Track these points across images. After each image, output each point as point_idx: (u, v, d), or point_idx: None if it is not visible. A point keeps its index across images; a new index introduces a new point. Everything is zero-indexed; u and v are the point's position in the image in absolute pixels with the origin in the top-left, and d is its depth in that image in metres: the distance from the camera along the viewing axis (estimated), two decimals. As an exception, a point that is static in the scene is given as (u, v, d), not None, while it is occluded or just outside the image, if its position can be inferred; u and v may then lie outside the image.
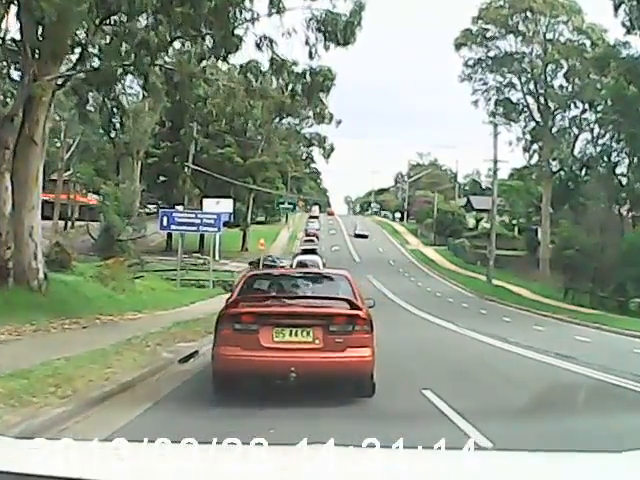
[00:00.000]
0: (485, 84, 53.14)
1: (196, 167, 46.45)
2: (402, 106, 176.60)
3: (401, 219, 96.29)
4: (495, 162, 45.51)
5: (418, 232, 79.39)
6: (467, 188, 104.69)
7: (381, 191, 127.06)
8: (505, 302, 35.29)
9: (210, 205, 47.55)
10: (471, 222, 77.63)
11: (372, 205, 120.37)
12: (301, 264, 31.62)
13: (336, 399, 7.41)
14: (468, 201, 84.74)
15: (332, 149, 56.42)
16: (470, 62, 53.53)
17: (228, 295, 9.56)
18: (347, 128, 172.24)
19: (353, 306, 7.69)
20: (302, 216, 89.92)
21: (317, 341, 7.38)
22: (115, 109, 18.87)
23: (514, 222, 70.47)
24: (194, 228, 31.93)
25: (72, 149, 45.42)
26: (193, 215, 32.88)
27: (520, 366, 12.28)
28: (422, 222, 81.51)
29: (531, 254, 58.53)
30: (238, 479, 1.91)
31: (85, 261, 28.95)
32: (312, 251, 50.59)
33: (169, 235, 53.90)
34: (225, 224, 62.82)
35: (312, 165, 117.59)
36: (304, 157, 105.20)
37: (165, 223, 30.46)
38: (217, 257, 50.27)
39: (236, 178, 51.10)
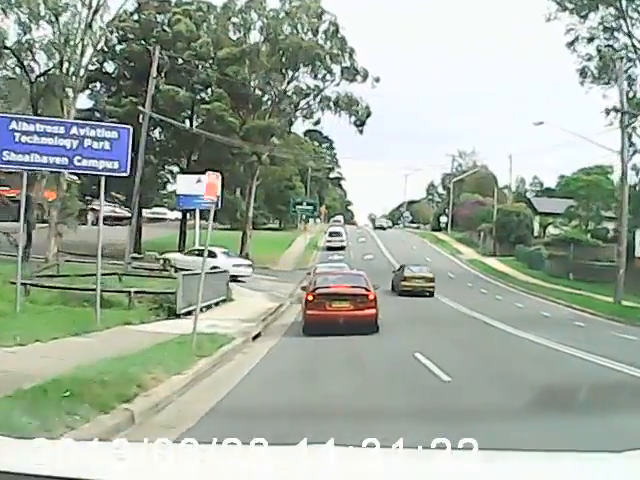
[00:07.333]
0: (583, 17, 37.34)
1: (159, 116, 30.52)
2: (429, 124, 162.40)
3: (445, 227, 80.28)
4: (622, 114, 29.19)
5: (480, 238, 63.02)
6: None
7: (412, 203, 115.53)
8: None
9: (187, 183, 32.20)
10: (536, 227, 62.95)
11: (404, 216, 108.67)
12: (332, 234, 58.84)
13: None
14: (529, 203, 68.83)
15: (369, 114, 40.08)
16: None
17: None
18: (369, 149, 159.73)
19: (367, 290, 17.04)
20: (324, 227, 74.63)
21: (351, 306, 16.57)
22: None
23: (589, 227, 56.46)
24: (63, 161, 13.27)
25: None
26: (61, 129, 13.41)
27: None
28: (475, 228, 65.47)
29: (627, 263, 44.45)
30: (238, 479, 1.93)
31: None
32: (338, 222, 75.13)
33: (139, 234, 38.14)
34: (214, 217, 47.49)
35: (335, 170, 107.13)
36: (327, 160, 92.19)
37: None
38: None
39: (230, 149, 35.42)
